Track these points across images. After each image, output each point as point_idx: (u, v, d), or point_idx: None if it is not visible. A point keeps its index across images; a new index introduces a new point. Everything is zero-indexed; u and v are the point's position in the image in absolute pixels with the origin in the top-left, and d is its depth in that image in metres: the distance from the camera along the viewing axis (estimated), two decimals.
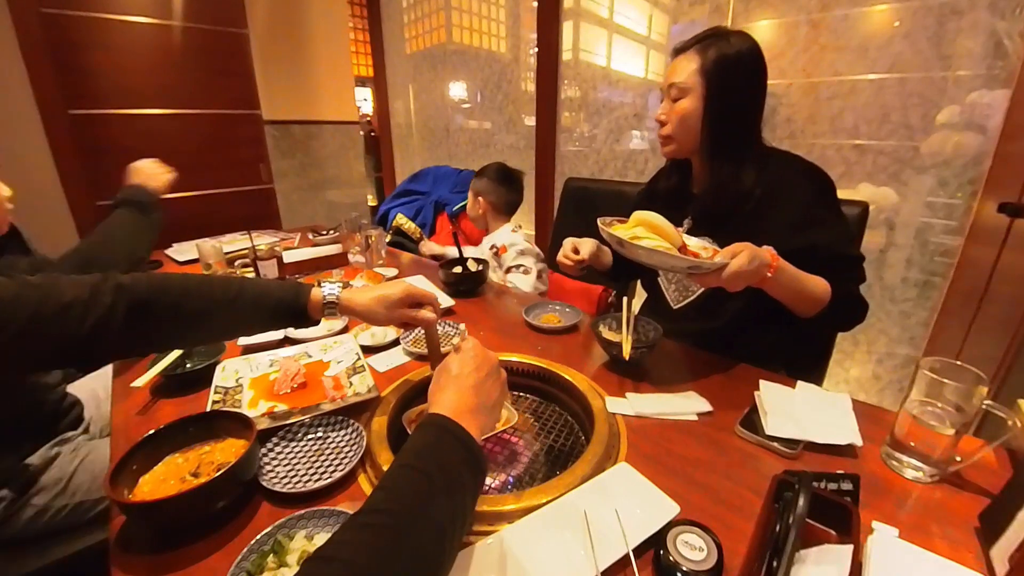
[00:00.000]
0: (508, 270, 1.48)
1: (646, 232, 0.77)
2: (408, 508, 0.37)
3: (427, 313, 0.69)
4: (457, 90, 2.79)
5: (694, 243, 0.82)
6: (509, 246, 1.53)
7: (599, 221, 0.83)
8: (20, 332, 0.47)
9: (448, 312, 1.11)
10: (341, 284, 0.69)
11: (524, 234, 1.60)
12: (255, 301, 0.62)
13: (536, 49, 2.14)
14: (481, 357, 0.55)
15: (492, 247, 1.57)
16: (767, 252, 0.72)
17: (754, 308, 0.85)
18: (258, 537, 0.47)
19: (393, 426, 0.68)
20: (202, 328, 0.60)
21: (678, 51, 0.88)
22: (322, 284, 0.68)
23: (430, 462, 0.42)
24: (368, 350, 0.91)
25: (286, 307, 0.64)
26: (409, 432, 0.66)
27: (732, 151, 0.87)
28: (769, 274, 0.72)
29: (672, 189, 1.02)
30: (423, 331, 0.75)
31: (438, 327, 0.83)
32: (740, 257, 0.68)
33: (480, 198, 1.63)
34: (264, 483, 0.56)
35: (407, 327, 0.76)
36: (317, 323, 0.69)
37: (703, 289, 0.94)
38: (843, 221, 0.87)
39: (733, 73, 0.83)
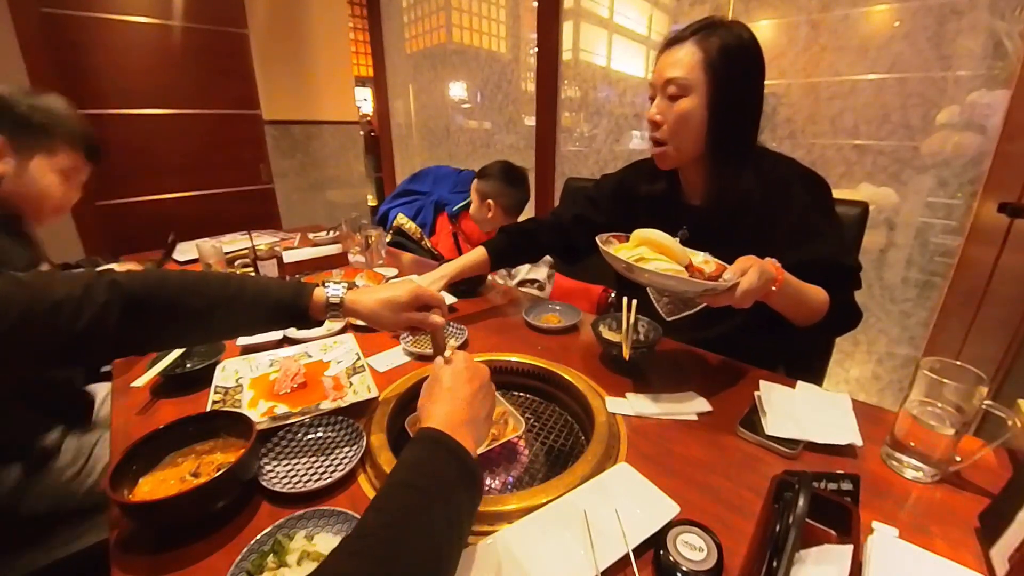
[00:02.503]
0: (522, 284, 1.43)
1: (652, 253, 0.71)
2: (403, 530, 0.36)
3: (436, 317, 0.67)
4: (457, 90, 2.79)
5: (699, 259, 0.76)
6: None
7: (597, 239, 0.79)
8: (11, 331, 0.46)
9: (450, 310, 1.11)
10: (346, 285, 0.67)
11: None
12: (254, 300, 0.61)
13: (536, 49, 2.14)
14: (473, 370, 0.56)
15: None
16: (771, 265, 0.69)
17: (753, 317, 0.81)
18: (258, 537, 0.47)
19: (393, 426, 0.68)
20: (199, 327, 0.59)
21: (672, 42, 0.79)
22: (326, 284, 0.65)
23: (426, 478, 0.41)
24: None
25: (285, 307, 0.62)
26: (412, 436, 0.65)
27: (735, 155, 0.82)
28: (775, 288, 0.69)
29: (657, 196, 0.94)
30: (429, 334, 0.73)
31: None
32: (750, 274, 0.65)
33: (489, 200, 1.54)
34: (264, 483, 0.56)
35: (414, 331, 0.73)
36: (320, 324, 0.67)
37: (703, 305, 0.90)
38: (840, 229, 0.85)
39: (740, 66, 0.76)
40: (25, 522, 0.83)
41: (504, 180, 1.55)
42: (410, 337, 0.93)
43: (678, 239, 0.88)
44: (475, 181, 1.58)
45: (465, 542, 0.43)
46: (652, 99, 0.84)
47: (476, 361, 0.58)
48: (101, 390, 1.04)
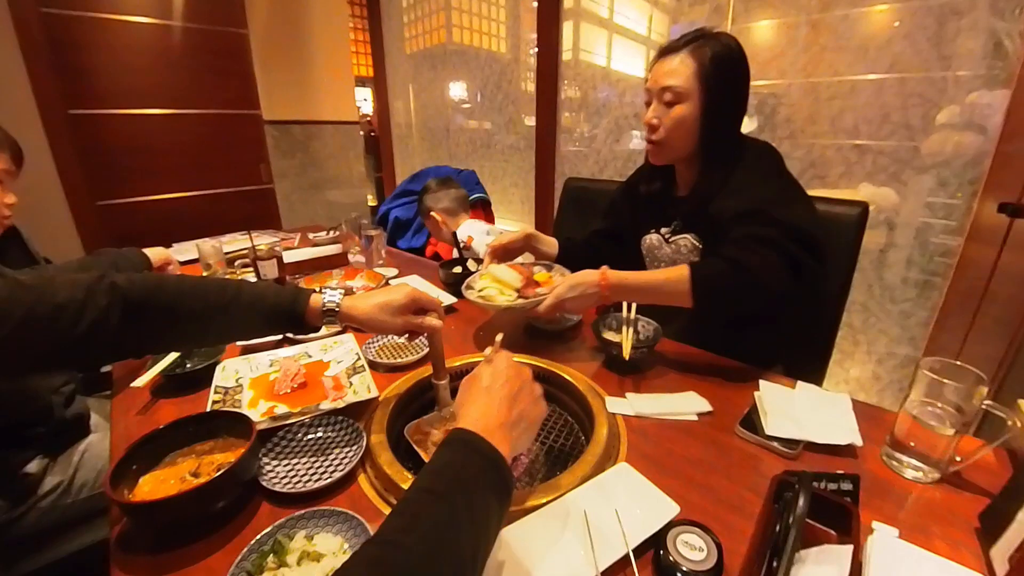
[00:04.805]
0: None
1: (492, 283, 0.91)
2: (426, 542, 0.34)
3: (432, 320, 0.67)
4: (457, 90, 2.79)
5: (547, 275, 0.91)
6: (475, 234, 1.55)
7: (463, 288, 0.94)
8: (13, 333, 0.47)
9: (450, 310, 1.11)
10: (342, 291, 0.67)
11: (487, 226, 1.62)
12: (251, 305, 0.61)
13: (536, 49, 2.14)
14: (514, 369, 0.53)
15: (460, 243, 1.55)
16: (594, 275, 0.81)
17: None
18: (258, 537, 0.47)
19: (393, 426, 0.68)
20: (197, 331, 0.59)
21: (666, 51, 0.85)
22: (323, 290, 0.66)
23: (453, 485, 0.39)
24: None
25: (282, 313, 0.63)
26: (414, 446, 0.64)
27: (724, 154, 0.87)
28: (606, 292, 0.81)
29: (654, 194, 1.02)
30: (426, 338, 0.73)
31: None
32: (557, 288, 0.82)
33: (433, 213, 1.64)
34: (264, 483, 0.56)
35: (412, 335, 0.73)
36: (316, 330, 0.67)
37: None
38: (782, 187, 0.83)
39: (729, 74, 0.83)
40: (17, 543, 0.82)
41: (436, 188, 1.66)
42: (376, 343, 0.93)
43: (672, 228, 0.97)
44: (418, 208, 1.72)
45: (490, 551, 0.41)
46: (648, 103, 0.89)
47: (518, 362, 0.55)
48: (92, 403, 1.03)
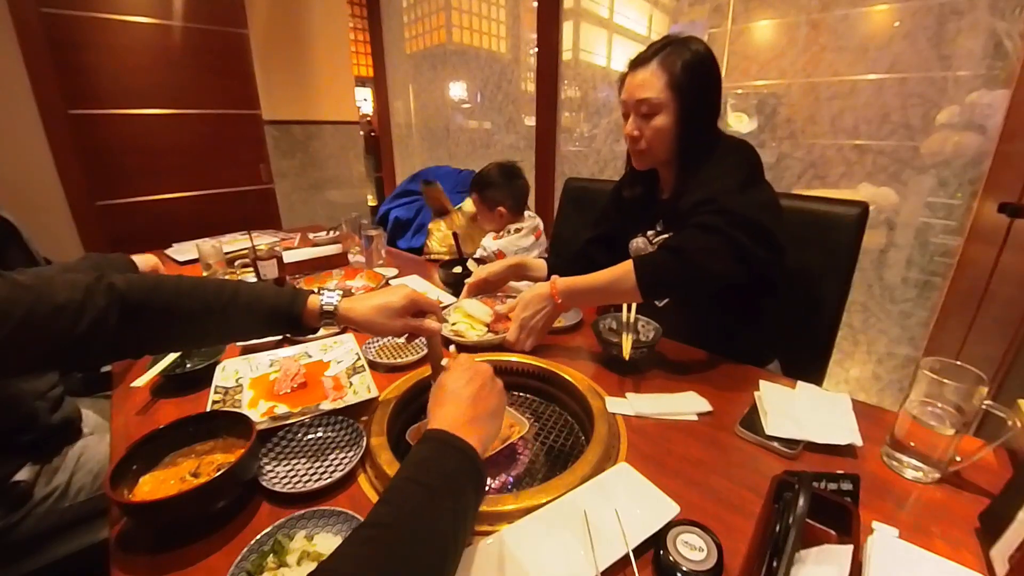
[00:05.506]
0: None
1: (464, 319, 0.95)
2: (411, 523, 0.38)
3: (431, 322, 0.67)
4: (457, 90, 2.79)
5: (506, 306, 0.94)
6: (507, 250, 1.47)
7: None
8: (13, 333, 0.47)
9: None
10: (340, 292, 0.67)
11: (508, 238, 1.51)
12: (248, 307, 0.61)
13: (536, 49, 2.14)
14: (473, 370, 0.56)
15: (493, 253, 1.51)
16: (544, 287, 0.84)
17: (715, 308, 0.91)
18: (258, 537, 0.47)
19: (393, 427, 0.68)
20: (195, 332, 0.59)
21: (636, 64, 0.86)
22: (322, 292, 0.66)
23: (432, 475, 0.42)
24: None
25: (280, 315, 0.63)
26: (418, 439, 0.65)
27: (702, 154, 0.88)
28: (558, 300, 0.82)
29: (637, 198, 1.04)
30: (424, 340, 0.73)
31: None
32: (515, 312, 0.86)
33: (500, 208, 1.52)
34: (264, 483, 0.56)
35: (410, 338, 0.73)
36: (315, 331, 0.67)
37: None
38: (743, 184, 0.82)
39: (700, 81, 0.84)
40: (14, 546, 0.82)
41: (505, 183, 1.54)
42: (375, 343, 0.93)
43: (657, 231, 0.98)
44: (477, 194, 1.57)
45: (469, 540, 0.44)
46: (625, 115, 0.91)
47: (477, 361, 0.58)
48: (91, 404, 1.02)
